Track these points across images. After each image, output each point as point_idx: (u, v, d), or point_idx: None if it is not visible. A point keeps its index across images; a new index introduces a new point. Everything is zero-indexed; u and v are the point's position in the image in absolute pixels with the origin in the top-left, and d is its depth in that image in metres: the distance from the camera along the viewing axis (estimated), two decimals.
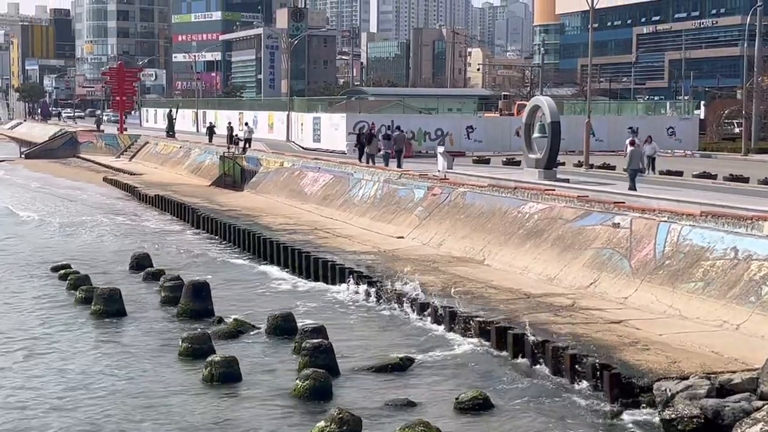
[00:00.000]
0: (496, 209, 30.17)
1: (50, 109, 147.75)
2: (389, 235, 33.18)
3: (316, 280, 28.05)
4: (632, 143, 35.51)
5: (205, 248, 35.12)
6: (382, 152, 44.55)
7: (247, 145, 57.15)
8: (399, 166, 43.13)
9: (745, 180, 39.55)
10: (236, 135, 61.29)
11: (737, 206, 24.41)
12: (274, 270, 30.25)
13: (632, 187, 33.05)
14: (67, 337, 21.81)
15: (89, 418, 16.27)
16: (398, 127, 49.76)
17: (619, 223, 24.62)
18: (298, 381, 17.22)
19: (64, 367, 19.22)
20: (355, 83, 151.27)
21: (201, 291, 24.08)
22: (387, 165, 43.00)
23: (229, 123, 66.40)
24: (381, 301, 24.39)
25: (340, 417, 14.57)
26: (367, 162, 44.10)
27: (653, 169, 42.53)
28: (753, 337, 18.33)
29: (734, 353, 17.19)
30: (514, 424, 16.00)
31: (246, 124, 68.47)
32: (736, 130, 79.48)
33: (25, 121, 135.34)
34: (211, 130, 72.36)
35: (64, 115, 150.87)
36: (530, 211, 28.65)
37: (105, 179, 62.09)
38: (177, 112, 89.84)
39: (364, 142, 45.75)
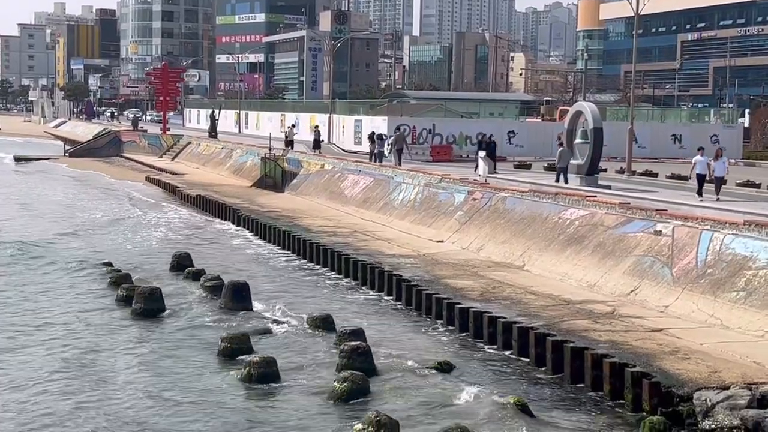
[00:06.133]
0: (536, 215, 30.06)
1: (94, 108, 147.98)
2: (429, 239, 33.16)
3: (355, 279, 28.14)
4: (560, 144, 37.73)
5: (246, 248, 35.27)
6: (376, 151, 48.61)
7: (289, 147, 57.14)
8: (398, 163, 45.99)
9: None
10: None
11: None
12: (313, 270, 30.32)
13: (558, 180, 36.86)
14: (106, 335, 21.98)
15: (127, 416, 16.42)
16: (397, 128, 52.37)
17: (660, 231, 24.44)
18: (335, 383, 17.26)
19: (103, 366, 19.39)
20: (397, 86, 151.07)
21: (241, 291, 24.24)
22: (378, 162, 47.29)
23: (291, 125, 65.26)
24: None
25: (377, 420, 14.55)
26: (372, 160, 48.51)
27: (718, 192, 32.96)
28: None
29: None
30: None
31: (292, 126, 67.62)
32: None
33: (69, 119, 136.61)
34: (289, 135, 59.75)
35: (106, 112, 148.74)
36: (571, 217, 28.53)
37: (147, 179, 62.49)
38: (219, 113, 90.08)
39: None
